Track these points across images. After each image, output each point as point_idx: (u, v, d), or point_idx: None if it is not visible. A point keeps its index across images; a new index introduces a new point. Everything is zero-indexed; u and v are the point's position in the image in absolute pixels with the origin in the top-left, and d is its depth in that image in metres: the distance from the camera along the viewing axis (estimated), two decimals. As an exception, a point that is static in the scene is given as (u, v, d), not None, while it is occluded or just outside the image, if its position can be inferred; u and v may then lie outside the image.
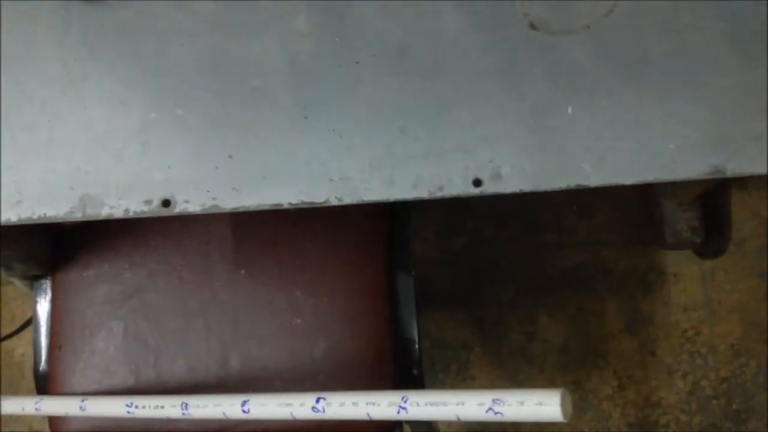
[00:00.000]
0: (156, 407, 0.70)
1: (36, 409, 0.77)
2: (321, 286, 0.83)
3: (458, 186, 0.61)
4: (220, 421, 0.80)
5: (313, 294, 0.82)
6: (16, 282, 0.86)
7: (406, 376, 0.83)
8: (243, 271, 0.83)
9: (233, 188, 0.61)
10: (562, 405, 0.52)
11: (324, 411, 0.62)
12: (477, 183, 0.61)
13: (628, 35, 0.64)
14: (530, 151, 0.61)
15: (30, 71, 0.64)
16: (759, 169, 0.61)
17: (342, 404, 0.61)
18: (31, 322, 0.88)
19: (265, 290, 0.83)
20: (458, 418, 0.56)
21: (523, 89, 0.63)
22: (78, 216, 0.61)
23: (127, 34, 0.65)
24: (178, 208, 0.61)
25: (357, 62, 0.64)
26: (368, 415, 0.60)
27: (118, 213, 0.61)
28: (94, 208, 0.61)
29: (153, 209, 0.61)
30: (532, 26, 0.64)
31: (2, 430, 1.35)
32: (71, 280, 0.84)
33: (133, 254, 0.84)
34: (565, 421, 0.52)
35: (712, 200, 1.26)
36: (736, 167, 0.61)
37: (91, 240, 0.85)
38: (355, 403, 0.61)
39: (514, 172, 0.61)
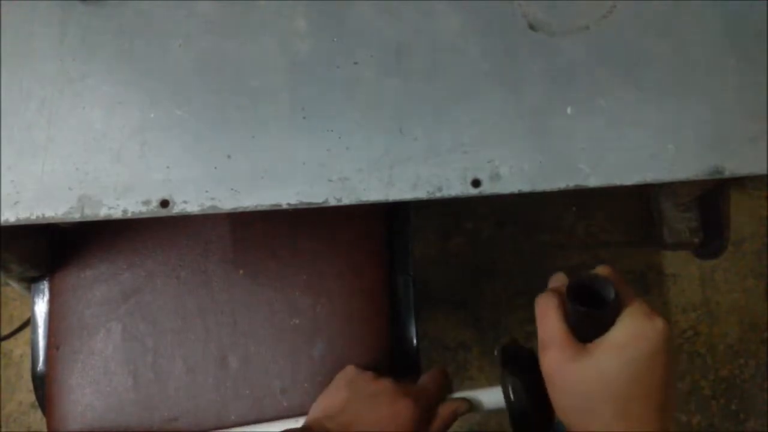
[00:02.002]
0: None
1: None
2: (320, 287, 0.83)
3: (457, 186, 0.61)
4: (218, 421, 0.80)
5: (312, 294, 0.82)
6: (14, 284, 0.86)
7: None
8: (241, 272, 0.83)
9: (232, 189, 0.61)
10: None
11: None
12: (476, 183, 0.61)
13: (626, 36, 0.64)
14: (529, 152, 0.61)
15: (28, 71, 0.64)
16: (758, 169, 0.61)
17: None
18: (29, 322, 0.88)
19: (263, 291, 0.83)
20: None
21: (522, 90, 0.63)
22: (76, 216, 0.61)
23: (125, 34, 0.65)
24: (177, 208, 0.61)
25: (355, 63, 0.64)
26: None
27: (117, 214, 0.61)
28: (92, 209, 0.61)
29: (151, 210, 0.61)
30: (531, 27, 0.64)
31: (2, 430, 1.35)
32: (69, 281, 0.84)
33: (131, 255, 0.84)
34: None
35: (711, 201, 1.26)
36: (734, 168, 0.61)
37: (89, 241, 0.85)
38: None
39: (513, 173, 0.61)
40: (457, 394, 0.73)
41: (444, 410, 0.71)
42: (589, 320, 0.53)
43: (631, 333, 0.52)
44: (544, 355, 0.54)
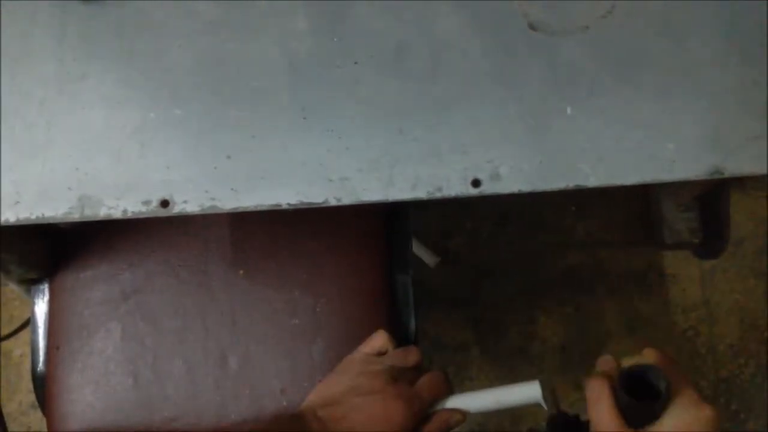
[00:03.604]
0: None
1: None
2: (319, 287, 0.83)
3: (457, 186, 0.61)
4: (218, 421, 0.80)
5: (312, 294, 0.82)
6: (13, 286, 0.86)
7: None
8: (241, 272, 0.83)
9: (232, 189, 0.61)
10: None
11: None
12: (476, 183, 0.61)
13: (626, 36, 0.64)
14: (529, 152, 0.61)
15: (27, 71, 0.64)
16: (758, 169, 0.61)
17: None
18: (29, 322, 0.88)
19: (263, 290, 0.83)
20: None
21: (522, 89, 0.63)
22: (76, 216, 0.61)
23: (125, 34, 0.65)
24: (177, 208, 0.61)
25: (356, 63, 0.64)
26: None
27: (117, 213, 0.61)
28: (92, 209, 0.61)
29: (151, 210, 0.61)
30: (531, 27, 0.64)
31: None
32: (69, 281, 0.84)
33: (131, 255, 0.84)
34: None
35: (711, 201, 1.26)
36: (734, 168, 0.61)
37: (88, 241, 0.85)
38: None
39: (513, 173, 0.61)
40: (454, 399, 0.73)
41: (437, 418, 0.72)
42: (640, 409, 0.56)
43: (682, 423, 0.55)
44: None
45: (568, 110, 0.62)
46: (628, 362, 0.59)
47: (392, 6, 0.65)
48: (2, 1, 0.65)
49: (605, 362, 0.62)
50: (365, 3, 0.65)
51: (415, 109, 0.63)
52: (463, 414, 0.72)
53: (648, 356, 0.59)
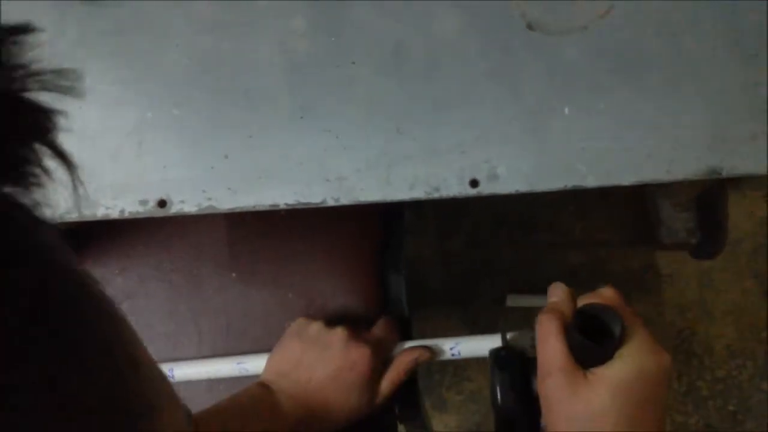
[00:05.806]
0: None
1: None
2: (313, 288, 0.82)
3: (455, 186, 0.61)
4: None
5: (306, 296, 0.82)
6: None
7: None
8: (234, 274, 0.83)
9: (229, 188, 0.61)
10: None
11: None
12: (473, 183, 0.61)
13: (625, 36, 0.63)
14: (527, 152, 0.61)
15: (24, 71, 0.63)
16: (756, 169, 0.61)
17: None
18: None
19: (256, 293, 0.82)
20: None
21: (520, 89, 0.63)
22: (73, 216, 0.61)
23: (123, 34, 0.65)
24: (174, 208, 0.61)
25: (353, 62, 0.64)
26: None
27: (114, 213, 0.61)
28: (89, 209, 0.61)
29: (149, 209, 0.61)
30: (529, 27, 0.64)
31: None
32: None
33: (123, 260, 0.84)
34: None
35: (708, 201, 1.26)
36: (732, 168, 0.61)
37: (80, 246, 0.84)
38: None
39: (511, 173, 0.61)
40: (412, 343, 0.74)
41: (403, 356, 0.71)
42: (591, 349, 0.53)
43: (636, 370, 0.51)
44: (544, 380, 0.54)
45: (566, 110, 0.62)
46: (584, 300, 0.56)
47: (390, 6, 0.65)
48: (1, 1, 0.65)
49: (556, 292, 0.58)
50: (363, 3, 0.65)
51: (413, 109, 0.62)
52: (430, 350, 0.72)
53: (605, 294, 0.56)
